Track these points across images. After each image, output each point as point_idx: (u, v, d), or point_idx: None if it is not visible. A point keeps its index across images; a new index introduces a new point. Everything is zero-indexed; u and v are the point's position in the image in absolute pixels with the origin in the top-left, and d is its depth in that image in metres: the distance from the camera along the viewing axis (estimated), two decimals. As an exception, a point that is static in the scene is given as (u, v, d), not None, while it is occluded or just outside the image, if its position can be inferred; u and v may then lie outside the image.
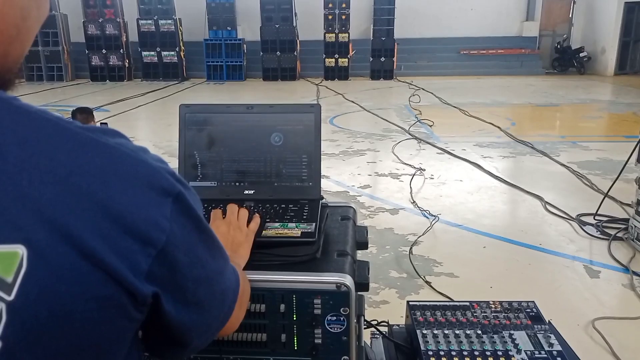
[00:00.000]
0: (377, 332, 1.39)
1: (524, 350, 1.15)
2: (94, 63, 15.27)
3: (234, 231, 0.97)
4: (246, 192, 1.19)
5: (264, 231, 1.03)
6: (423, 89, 11.97)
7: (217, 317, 0.67)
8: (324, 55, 15.22)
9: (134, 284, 0.51)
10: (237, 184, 1.19)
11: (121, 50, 15.25)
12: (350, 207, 1.30)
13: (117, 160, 0.52)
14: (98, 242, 0.49)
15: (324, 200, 1.20)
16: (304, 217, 1.08)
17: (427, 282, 2.96)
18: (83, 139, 0.52)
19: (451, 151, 6.14)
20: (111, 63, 15.29)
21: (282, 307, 0.93)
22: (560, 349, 1.16)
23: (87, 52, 15.18)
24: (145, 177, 0.54)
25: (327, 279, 0.92)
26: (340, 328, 0.93)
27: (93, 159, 0.51)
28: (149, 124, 9.18)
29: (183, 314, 0.59)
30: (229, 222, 0.99)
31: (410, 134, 7.17)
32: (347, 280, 0.92)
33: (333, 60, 15.23)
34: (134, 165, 0.54)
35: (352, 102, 10.48)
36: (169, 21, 15.13)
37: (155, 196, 0.54)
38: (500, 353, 1.14)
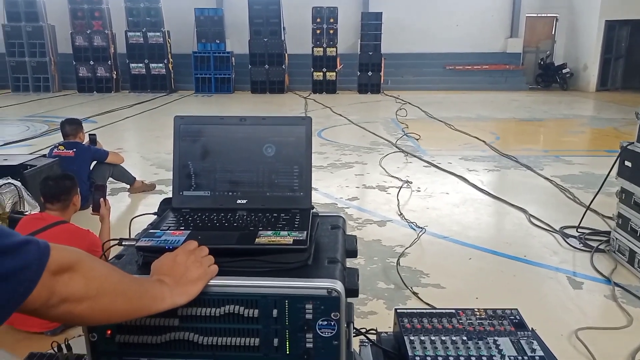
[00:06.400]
0: (366, 340, 1.42)
1: (508, 356, 1.19)
2: (81, 74, 15.20)
3: (192, 263, 0.96)
4: (239, 201, 1.22)
5: (256, 239, 1.05)
6: (409, 103, 12.11)
7: None
8: (312, 69, 15.34)
9: None
10: (230, 193, 1.22)
11: (109, 62, 15.21)
12: (340, 216, 1.34)
13: None
14: None
15: (314, 210, 1.23)
16: (296, 225, 1.11)
17: (414, 293, 2.99)
18: None
19: (437, 164, 6.22)
20: (99, 74, 15.23)
21: (275, 312, 0.96)
22: (543, 354, 1.20)
23: (74, 63, 15.11)
24: None
25: (319, 285, 0.95)
26: (331, 332, 0.96)
27: None
28: (137, 135, 9.16)
29: None
30: (190, 254, 0.98)
31: (397, 147, 7.25)
32: (338, 285, 0.95)
33: (321, 73, 15.36)
34: None
35: (340, 115, 10.56)
36: (158, 33, 15.15)
37: None
38: (484, 358, 1.18)
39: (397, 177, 5.61)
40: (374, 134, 8.35)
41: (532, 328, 1.31)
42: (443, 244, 3.84)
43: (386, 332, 1.41)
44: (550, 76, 16.53)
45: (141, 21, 15.16)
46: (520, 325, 1.31)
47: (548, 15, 17.50)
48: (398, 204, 4.69)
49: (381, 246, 3.75)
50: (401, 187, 5.19)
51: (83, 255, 0.82)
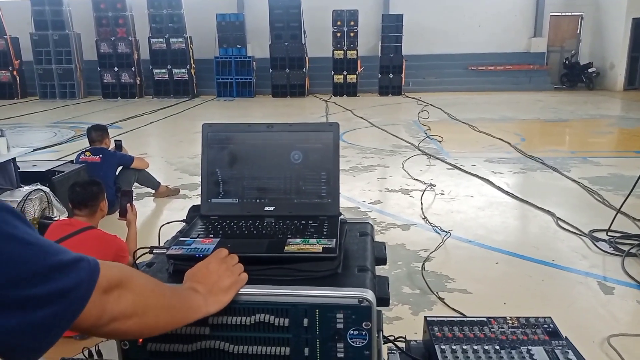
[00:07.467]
0: (395, 348, 1.40)
1: (542, 366, 1.15)
2: (105, 80, 15.50)
3: (223, 272, 0.96)
4: (266, 208, 1.21)
5: (286, 247, 1.05)
6: (431, 105, 12.00)
7: None
8: (333, 72, 15.36)
9: None
10: (258, 200, 1.22)
11: (133, 68, 15.47)
12: (368, 223, 1.33)
13: None
14: None
15: (342, 217, 1.22)
16: (324, 233, 1.10)
17: (440, 299, 2.96)
18: None
19: (461, 167, 6.14)
20: (123, 80, 15.51)
21: (306, 321, 0.95)
22: (579, 364, 1.16)
23: (99, 69, 15.41)
24: None
25: (350, 294, 0.94)
26: (363, 342, 0.95)
27: None
28: (161, 140, 9.27)
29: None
30: (222, 262, 0.98)
31: (419, 149, 7.19)
32: (369, 295, 0.94)
33: (341, 76, 15.36)
34: None
35: (361, 118, 10.53)
36: (180, 39, 15.35)
37: None
38: (518, 368, 1.15)
39: (420, 180, 5.56)
40: (396, 136, 8.30)
41: (565, 337, 1.28)
42: (469, 248, 3.78)
43: (415, 340, 1.39)
44: (576, 76, 16.22)
45: (164, 27, 15.39)
46: (554, 334, 1.27)
47: (573, 13, 17.20)
48: (422, 207, 4.65)
49: (405, 250, 3.71)
50: (424, 190, 5.14)
51: (130, 271, 0.82)
